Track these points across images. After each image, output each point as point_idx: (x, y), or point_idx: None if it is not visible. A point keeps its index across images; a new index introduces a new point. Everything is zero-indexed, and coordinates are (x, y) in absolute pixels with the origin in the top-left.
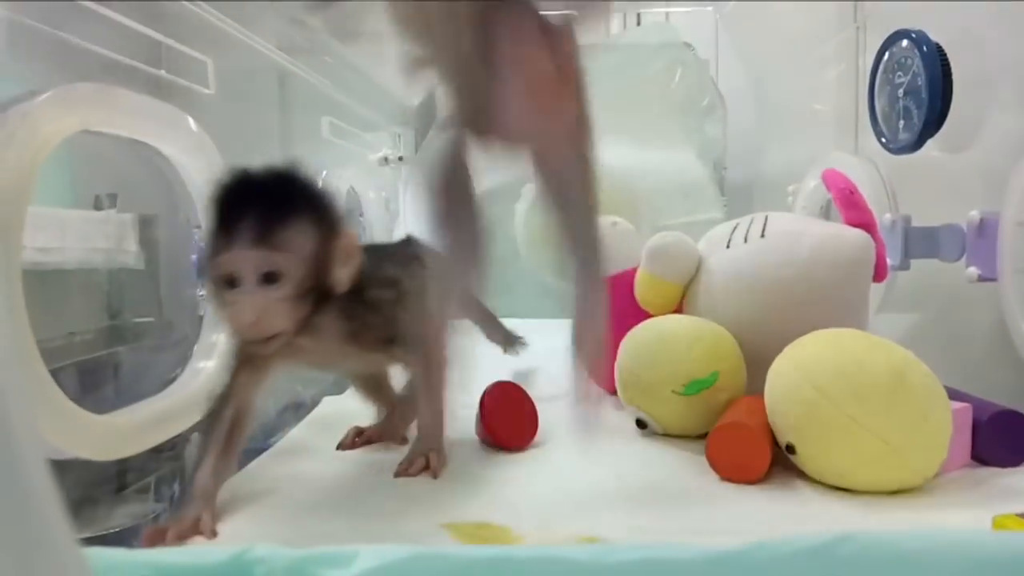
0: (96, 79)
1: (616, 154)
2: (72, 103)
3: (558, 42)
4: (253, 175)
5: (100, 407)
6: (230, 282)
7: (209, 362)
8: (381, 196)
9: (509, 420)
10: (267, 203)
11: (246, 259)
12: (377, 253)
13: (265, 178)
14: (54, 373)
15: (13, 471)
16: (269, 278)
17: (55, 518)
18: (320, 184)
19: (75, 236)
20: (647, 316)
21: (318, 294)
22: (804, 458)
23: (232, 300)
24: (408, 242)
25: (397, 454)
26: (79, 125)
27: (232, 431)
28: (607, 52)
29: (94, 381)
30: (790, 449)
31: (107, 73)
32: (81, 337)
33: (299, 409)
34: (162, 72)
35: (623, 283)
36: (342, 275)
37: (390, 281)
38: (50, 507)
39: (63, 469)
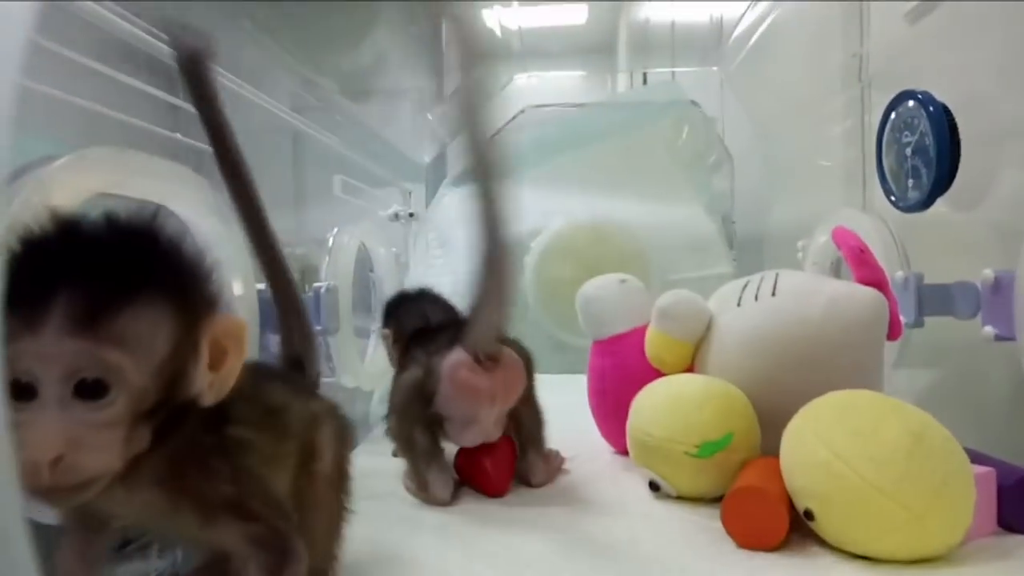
0: (113, 142)
1: (624, 210)
2: (87, 168)
3: None
4: (80, 226)
5: None
6: (25, 391)
7: None
8: (391, 252)
9: (487, 463)
10: (94, 269)
11: (53, 356)
12: (261, 376)
13: (97, 230)
14: None
15: None
16: (89, 389)
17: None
18: (184, 242)
19: None
20: (659, 374)
21: (167, 414)
22: (823, 525)
23: (26, 420)
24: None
25: None
26: (94, 189)
27: None
28: (615, 109)
29: None
30: (808, 515)
31: (124, 136)
32: None
33: None
34: (177, 135)
35: (633, 341)
36: (212, 383)
37: (270, 422)
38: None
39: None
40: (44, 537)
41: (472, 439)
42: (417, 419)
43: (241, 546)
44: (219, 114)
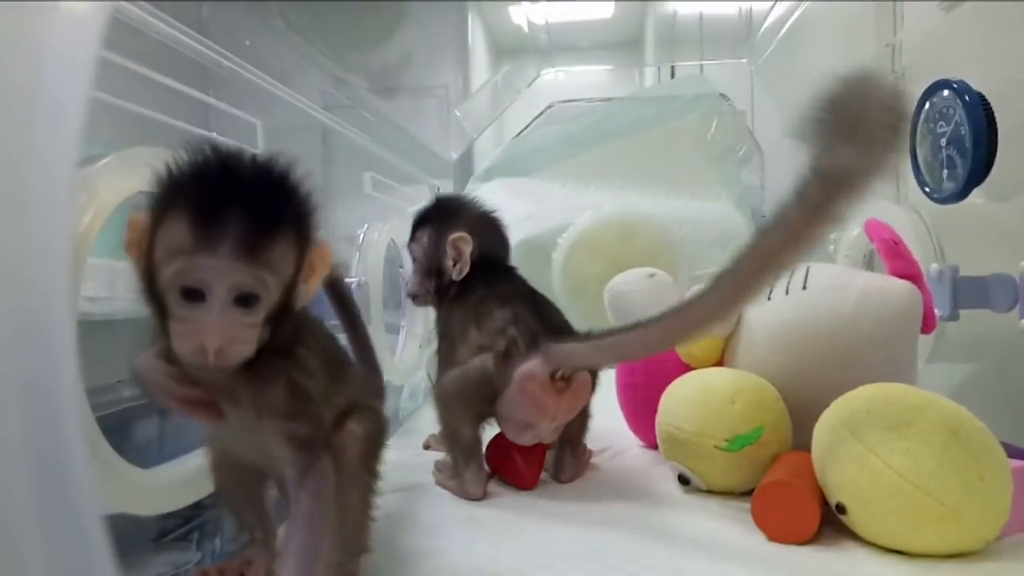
0: (152, 142)
1: (653, 204)
2: (130, 167)
3: None
4: (235, 163)
5: (144, 457)
6: (192, 294)
7: None
8: None
9: (518, 457)
10: (255, 203)
11: (226, 272)
12: (335, 341)
13: (251, 171)
14: (100, 420)
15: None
16: (245, 299)
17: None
18: (300, 180)
19: (125, 286)
20: (688, 368)
21: (277, 314)
22: (855, 519)
23: (193, 316)
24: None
25: None
26: (137, 188)
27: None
28: (643, 103)
29: (139, 429)
30: (840, 509)
31: (162, 136)
32: (128, 386)
33: None
34: (213, 134)
35: None
36: (306, 290)
37: (332, 365)
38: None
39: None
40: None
41: (526, 441)
42: (471, 412)
43: (282, 445)
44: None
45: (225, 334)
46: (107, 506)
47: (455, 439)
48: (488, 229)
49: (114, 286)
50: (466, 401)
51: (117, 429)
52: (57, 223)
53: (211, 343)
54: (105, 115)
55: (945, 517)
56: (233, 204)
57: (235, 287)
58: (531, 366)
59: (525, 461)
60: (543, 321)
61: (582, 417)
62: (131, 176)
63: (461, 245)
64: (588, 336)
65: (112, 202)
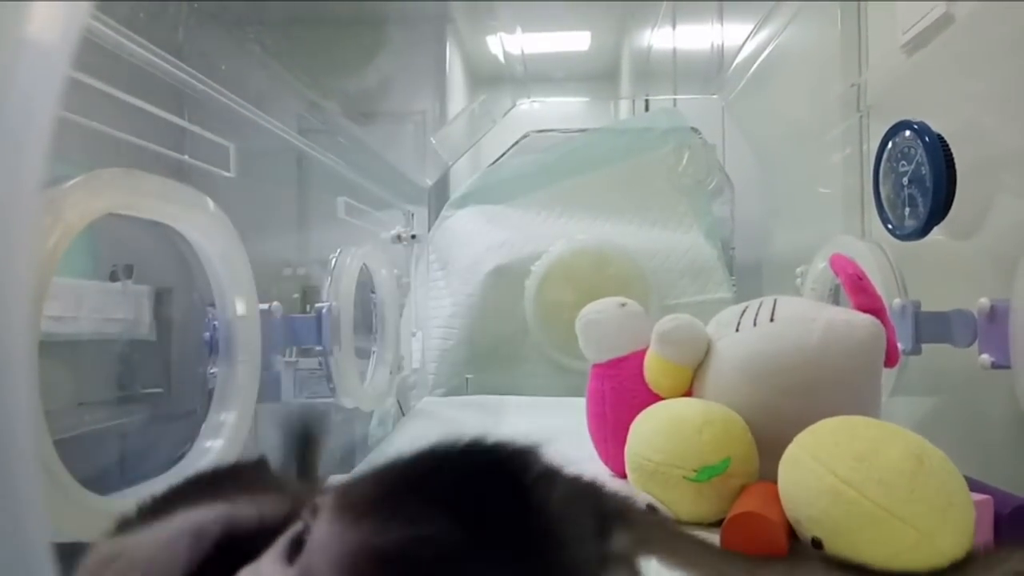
0: (122, 163)
1: (625, 234)
2: (97, 189)
3: None
4: None
5: (105, 482)
6: None
7: (216, 441)
8: (393, 273)
9: None
10: None
11: None
12: None
13: None
14: (60, 443)
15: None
16: None
17: None
18: None
19: (90, 307)
20: (658, 398)
21: None
22: (833, 552)
23: None
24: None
25: None
26: (104, 210)
27: None
28: (617, 135)
29: (100, 453)
30: (816, 544)
31: (133, 157)
32: (90, 408)
33: None
34: (185, 157)
35: (632, 365)
36: None
37: None
38: None
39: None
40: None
41: None
42: None
43: None
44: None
45: None
46: (61, 534)
47: None
48: None
49: (80, 306)
50: None
51: (77, 453)
52: (19, 243)
53: None
54: (77, 136)
55: (920, 542)
56: None
57: None
58: None
59: None
60: None
61: None
62: (98, 198)
63: None
64: None
65: (79, 224)
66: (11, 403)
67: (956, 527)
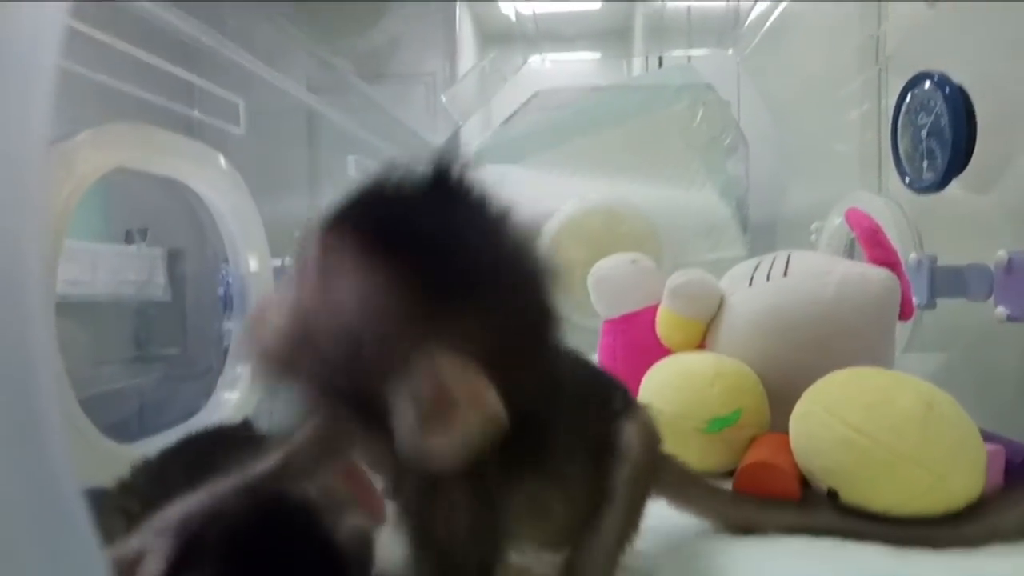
0: (133, 118)
1: (638, 193)
2: (108, 143)
3: None
4: None
5: (125, 437)
6: None
7: (233, 394)
8: None
9: None
10: None
11: None
12: None
13: None
14: (83, 402)
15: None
16: None
17: (88, 539)
18: None
19: (106, 269)
20: (668, 353)
21: None
22: (849, 500)
23: None
24: None
25: None
26: (114, 164)
27: None
28: (629, 92)
29: (121, 408)
30: (832, 495)
31: (143, 113)
32: (109, 367)
33: None
34: (195, 112)
35: (644, 320)
36: None
37: None
38: (84, 527)
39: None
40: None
41: None
42: None
43: None
44: None
45: None
46: (88, 480)
47: None
48: None
49: (95, 269)
50: None
51: (99, 409)
52: (29, 196)
53: None
54: (87, 91)
55: (935, 485)
56: None
57: None
58: None
59: None
60: None
61: None
62: (109, 152)
63: None
64: None
65: (90, 177)
66: (31, 345)
67: (968, 469)
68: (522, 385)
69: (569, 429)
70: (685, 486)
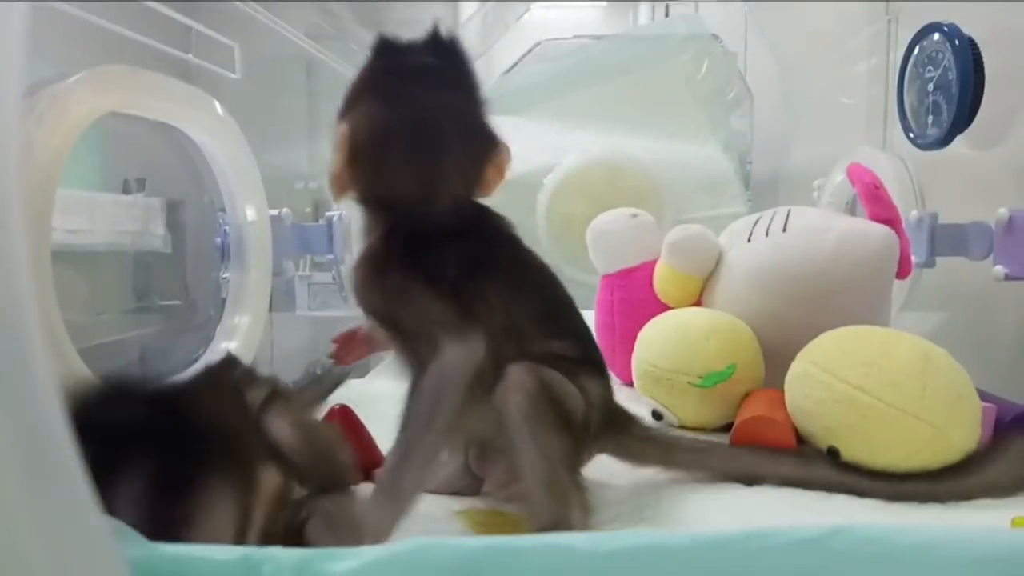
0: (126, 62)
1: (640, 147)
2: (102, 85)
3: None
4: None
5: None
6: None
7: (231, 343)
8: None
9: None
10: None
11: None
12: None
13: None
14: (82, 352)
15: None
16: None
17: (82, 491)
18: None
19: (104, 219)
20: (666, 308)
21: None
22: (850, 458)
23: None
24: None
25: None
26: (109, 107)
27: None
28: (633, 42)
29: (119, 360)
30: (833, 453)
31: (136, 56)
32: (109, 317)
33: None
34: (190, 56)
35: (642, 275)
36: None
37: None
38: (77, 479)
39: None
40: None
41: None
42: None
43: None
44: None
45: None
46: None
47: None
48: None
49: (94, 218)
50: None
51: (100, 358)
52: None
53: None
54: (79, 34)
55: (935, 437)
56: None
57: None
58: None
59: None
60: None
61: None
62: (103, 94)
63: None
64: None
65: (84, 120)
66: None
67: (966, 419)
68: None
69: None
70: (673, 452)
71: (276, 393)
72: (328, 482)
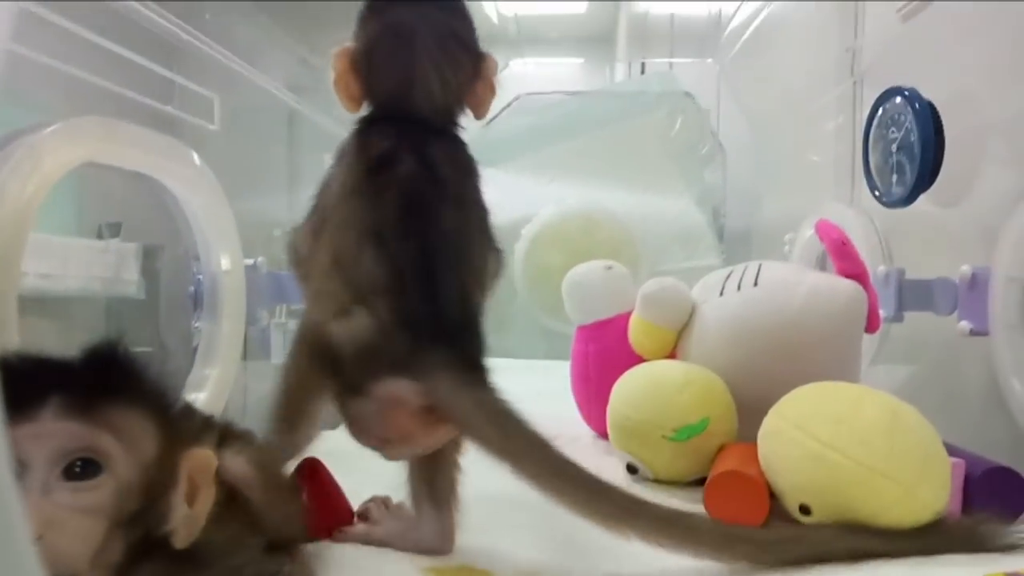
0: (108, 112)
1: (616, 199)
2: (77, 136)
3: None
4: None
5: None
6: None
7: (200, 395)
8: None
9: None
10: (84, 374)
11: (45, 436)
12: None
13: (78, 358)
14: None
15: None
16: (80, 468)
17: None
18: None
19: (77, 264)
20: (641, 360)
21: (139, 535)
22: (821, 517)
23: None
24: None
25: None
26: (83, 158)
27: None
28: (610, 98)
29: None
30: (804, 510)
31: (119, 106)
32: None
33: None
34: (169, 108)
35: (617, 327)
36: (186, 519)
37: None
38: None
39: None
40: None
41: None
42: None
43: None
44: None
45: (44, 516)
46: None
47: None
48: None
49: (66, 263)
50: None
51: None
52: None
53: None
54: (59, 84)
55: (904, 496)
56: (57, 377)
57: (61, 453)
58: (401, 391)
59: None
60: (436, 301)
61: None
62: (77, 145)
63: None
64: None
65: (58, 171)
66: None
67: (934, 479)
68: None
69: None
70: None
71: (231, 433)
72: (282, 531)
